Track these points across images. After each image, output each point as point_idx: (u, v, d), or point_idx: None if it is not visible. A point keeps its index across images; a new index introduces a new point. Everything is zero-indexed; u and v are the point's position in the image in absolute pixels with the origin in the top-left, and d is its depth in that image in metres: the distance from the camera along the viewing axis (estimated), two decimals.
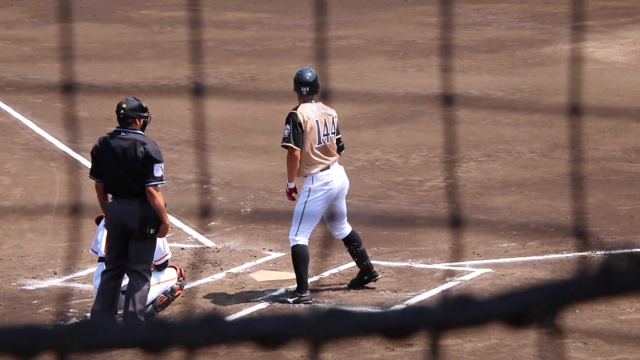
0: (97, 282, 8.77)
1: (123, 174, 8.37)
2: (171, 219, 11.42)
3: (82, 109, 16.14)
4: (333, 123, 9.34)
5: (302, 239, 9.21)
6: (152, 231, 8.30)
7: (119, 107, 8.62)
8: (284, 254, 10.27)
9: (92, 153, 8.61)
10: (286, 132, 9.16)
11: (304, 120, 9.13)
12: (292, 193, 9.33)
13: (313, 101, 9.25)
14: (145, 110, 8.65)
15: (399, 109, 16.20)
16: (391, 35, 21.56)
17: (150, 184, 8.34)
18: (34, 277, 9.95)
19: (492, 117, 15.78)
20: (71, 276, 10.05)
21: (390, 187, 12.77)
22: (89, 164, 13.70)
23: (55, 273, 10.07)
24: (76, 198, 12.02)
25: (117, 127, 8.60)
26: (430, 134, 14.71)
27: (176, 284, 8.98)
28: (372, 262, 9.70)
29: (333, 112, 9.40)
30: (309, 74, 9.26)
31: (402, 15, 23.40)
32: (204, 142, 14.60)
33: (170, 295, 8.92)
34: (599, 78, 17.77)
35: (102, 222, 8.86)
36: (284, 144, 9.19)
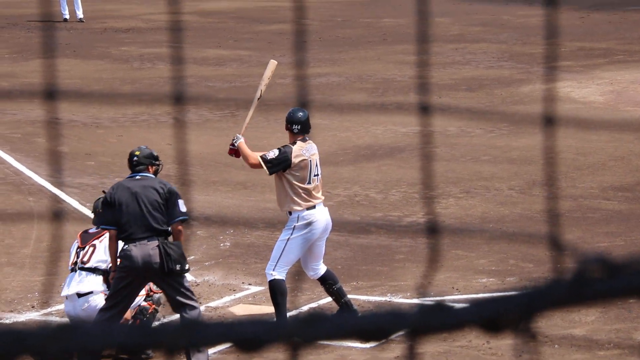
0: (66, 292, 8.81)
1: (143, 212, 8.36)
2: None
3: (61, 143, 16.13)
4: (318, 164, 9.40)
5: (280, 274, 9.21)
6: (178, 267, 8.28)
7: (132, 155, 8.76)
8: (263, 287, 10.26)
9: (104, 202, 8.62)
10: (271, 153, 9.20)
11: (295, 155, 9.18)
12: (232, 143, 9.32)
13: (307, 139, 9.32)
14: (157, 158, 8.79)
15: (378, 145, 16.27)
16: (370, 73, 21.68)
17: (178, 219, 8.37)
18: (11, 311, 9.89)
19: (470, 154, 15.86)
20: (49, 309, 10.00)
21: (370, 222, 12.80)
22: (68, 198, 13.72)
23: (32, 307, 10.02)
24: (55, 232, 11.98)
25: (131, 174, 8.68)
26: (410, 170, 14.78)
27: (145, 302, 8.96)
28: (351, 297, 9.69)
29: (317, 152, 9.47)
30: (300, 114, 9.34)
31: (381, 54, 23.55)
32: (184, 177, 14.61)
33: (144, 315, 8.91)
34: (577, 117, 17.91)
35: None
36: (260, 159, 9.16)
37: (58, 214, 12.73)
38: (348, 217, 12.98)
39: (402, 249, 11.65)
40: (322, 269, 9.44)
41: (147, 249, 8.28)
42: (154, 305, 9.02)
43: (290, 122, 9.33)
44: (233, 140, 9.37)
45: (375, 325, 1.07)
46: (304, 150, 9.26)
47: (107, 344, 1.06)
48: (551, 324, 9.43)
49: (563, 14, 29.83)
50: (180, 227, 8.42)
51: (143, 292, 8.92)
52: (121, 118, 17.74)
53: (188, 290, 8.42)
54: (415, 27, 25.18)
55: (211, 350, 8.78)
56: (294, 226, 9.18)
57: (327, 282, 9.43)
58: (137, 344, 1.06)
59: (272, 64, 9.74)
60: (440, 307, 1.12)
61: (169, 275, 8.26)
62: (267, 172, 9.20)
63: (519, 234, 12.24)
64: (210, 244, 11.75)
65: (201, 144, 16.24)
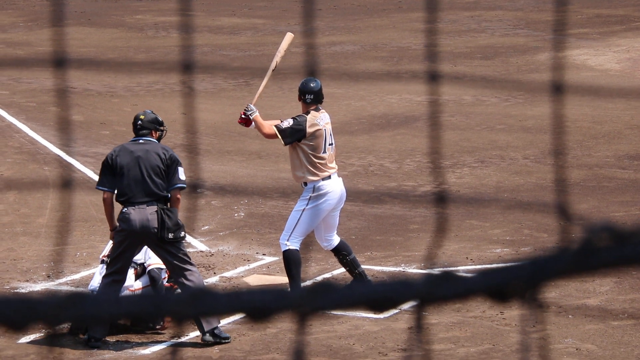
0: (94, 285, 8.78)
1: (144, 177, 8.37)
2: None
3: (76, 112, 16.15)
4: (330, 133, 9.39)
5: (294, 244, 9.22)
6: (171, 235, 8.30)
7: (136, 118, 8.74)
8: (277, 258, 10.28)
9: (104, 163, 8.61)
10: (285, 123, 9.18)
11: (310, 124, 9.16)
12: (245, 113, 9.26)
13: (320, 108, 9.30)
14: (161, 123, 8.78)
15: (393, 114, 16.23)
16: (385, 41, 21.60)
17: (176, 186, 8.38)
18: (27, 280, 9.95)
19: (485, 123, 15.82)
20: (64, 279, 10.05)
21: (384, 192, 12.79)
22: (82, 167, 13.75)
23: (48, 276, 10.07)
24: (69, 201, 12.02)
25: (134, 137, 8.67)
26: (424, 140, 14.74)
27: (168, 282, 8.99)
28: (364, 267, 9.70)
29: (330, 121, 9.46)
30: (313, 84, 9.31)
31: (396, 22, 23.45)
32: (197, 146, 14.62)
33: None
34: (593, 84, 17.82)
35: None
36: (275, 129, 9.14)
37: (73, 183, 12.77)
38: (362, 186, 12.97)
39: (416, 219, 11.65)
40: (335, 240, 9.44)
41: (145, 213, 8.31)
42: (175, 286, 9.05)
43: (302, 92, 9.32)
44: (245, 110, 9.32)
45: (383, 295, 1.07)
46: (318, 120, 9.24)
47: (116, 313, 1.07)
48: (565, 294, 9.43)
49: None
50: (178, 195, 8.42)
51: (165, 275, 8.95)
52: (136, 87, 17.74)
53: (185, 255, 8.42)
54: None
55: (225, 321, 8.82)
56: (310, 197, 9.18)
57: (341, 253, 9.43)
58: (146, 313, 1.07)
59: (289, 36, 9.69)
60: (447, 276, 1.12)
61: (165, 242, 8.28)
62: (283, 143, 9.19)
63: (533, 203, 12.22)
64: (225, 214, 11.77)
65: (216, 113, 16.25)
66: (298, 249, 9.22)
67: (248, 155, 14.28)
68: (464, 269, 10.17)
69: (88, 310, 1.03)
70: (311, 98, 9.27)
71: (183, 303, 1.06)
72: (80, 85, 17.56)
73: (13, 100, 16.75)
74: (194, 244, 10.84)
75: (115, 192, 8.51)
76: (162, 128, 8.75)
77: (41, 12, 23.94)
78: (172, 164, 8.43)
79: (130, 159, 8.45)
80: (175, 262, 8.35)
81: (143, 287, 8.92)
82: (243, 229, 11.29)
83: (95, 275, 8.97)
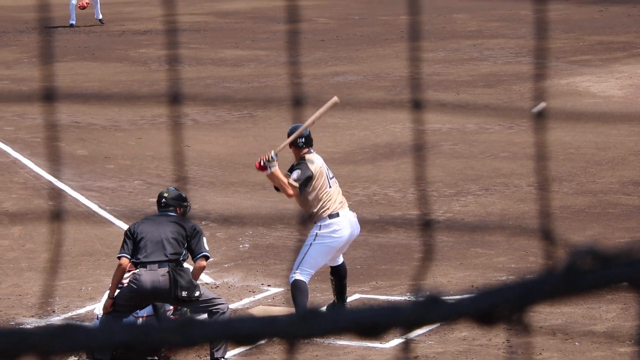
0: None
1: (162, 240, 8.50)
2: None
3: (81, 147, 16.20)
4: (328, 169, 9.49)
5: (302, 276, 9.24)
6: (184, 294, 8.39)
7: (160, 196, 8.95)
8: (282, 289, 10.28)
9: (126, 232, 8.78)
10: (296, 173, 9.24)
11: (312, 166, 9.27)
12: (265, 161, 9.24)
13: (311, 151, 9.41)
14: (185, 199, 8.95)
15: (397, 143, 16.26)
16: (388, 70, 21.68)
17: (202, 254, 8.56)
18: (33, 316, 9.94)
19: (489, 151, 15.84)
20: (70, 314, 10.05)
21: (389, 221, 12.79)
22: (87, 202, 13.78)
23: (53, 311, 10.07)
24: (75, 236, 12.04)
25: (159, 212, 8.86)
26: (428, 168, 14.76)
27: (173, 315, 9.01)
28: (370, 296, 9.72)
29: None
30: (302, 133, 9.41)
31: (399, 51, 23.53)
32: (202, 179, 14.65)
33: None
34: (596, 111, 17.85)
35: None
36: (290, 181, 9.20)
37: (78, 217, 12.78)
38: (367, 216, 12.98)
39: (421, 248, 11.64)
40: (340, 259, 9.57)
41: (157, 275, 8.42)
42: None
43: (307, 139, 9.43)
44: (267, 160, 9.30)
45: (371, 321, 1.08)
46: (315, 160, 9.38)
47: (108, 343, 1.08)
48: (572, 321, 9.41)
49: (582, 8, 29.73)
50: (204, 263, 8.61)
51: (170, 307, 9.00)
52: (140, 120, 17.80)
53: (208, 302, 8.52)
54: (409, 28, 25.16)
55: (232, 352, 8.81)
56: (317, 233, 9.24)
57: (338, 275, 9.49)
58: (136, 342, 1.08)
59: (334, 100, 9.69)
60: (434, 300, 1.13)
61: (183, 301, 8.42)
62: (300, 193, 9.24)
63: (538, 230, 12.21)
64: (230, 246, 11.78)
65: (220, 145, 16.28)
66: (306, 280, 9.24)
67: (252, 187, 14.31)
68: (469, 296, 10.15)
69: (80, 340, 1.04)
70: (303, 142, 9.39)
71: (172, 331, 1.08)
72: (84, 120, 17.62)
73: (18, 136, 16.81)
74: (200, 277, 10.84)
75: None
76: (185, 204, 8.93)
77: (45, 48, 24.07)
78: (195, 235, 8.61)
79: (151, 226, 8.62)
80: (203, 313, 8.46)
81: (147, 316, 8.95)
82: (248, 261, 11.29)
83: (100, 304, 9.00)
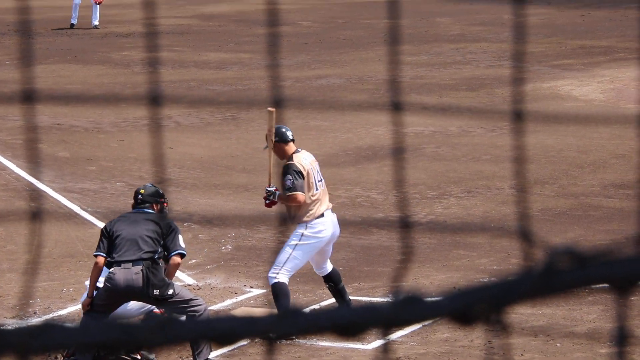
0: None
1: (137, 239, 8.44)
2: None
3: (63, 149, 16.15)
4: (317, 170, 9.47)
5: (283, 277, 9.24)
6: (156, 292, 8.34)
7: (137, 192, 8.87)
8: (265, 290, 10.28)
9: (102, 230, 8.74)
10: (289, 182, 9.23)
11: (303, 168, 9.26)
12: (268, 197, 9.27)
13: (300, 150, 9.41)
14: (162, 196, 8.88)
15: (380, 146, 16.29)
16: (371, 74, 21.70)
17: (177, 252, 8.48)
18: (14, 317, 9.91)
19: (472, 154, 15.88)
20: (51, 315, 10.02)
21: (371, 223, 12.81)
22: (69, 203, 13.73)
23: (35, 312, 10.04)
24: (56, 237, 12.00)
25: (135, 209, 8.78)
26: (411, 171, 14.79)
27: (158, 310, 8.98)
28: (353, 298, 9.72)
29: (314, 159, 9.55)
30: (283, 129, 9.41)
31: (382, 54, 23.57)
32: (185, 181, 14.63)
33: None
34: (578, 114, 17.92)
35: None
36: (290, 193, 9.21)
37: (60, 219, 12.75)
38: (349, 218, 12.99)
39: (403, 250, 11.66)
40: (329, 266, 9.57)
41: (130, 273, 8.37)
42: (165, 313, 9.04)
43: (281, 134, 9.41)
44: (268, 196, 9.32)
45: (349, 320, 1.09)
46: (303, 160, 9.36)
47: (86, 341, 1.08)
48: (553, 322, 9.44)
49: (564, 12, 29.84)
50: (179, 261, 8.54)
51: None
52: (122, 122, 17.76)
53: (185, 302, 8.47)
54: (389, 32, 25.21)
55: (214, 354, 8.79)
56: (302, 233, 9.24)
57: (331, 281, 9.50)
58: (114, 341, 1.08)
59: (270, 111, 9.67)
60: (412, 299, 1.13)
61: (156, 300, 8.37)
62: (302, 194, 9.22)
63: (517, 232, 12.23)
64: (212, 247, 11.77)
65: (202, 148, 16.27)
66: (287, 282, 9.24)
67: (235, 189, 14.30)
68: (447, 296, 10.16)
69: (58, 338, 1.04)
70: (277, 139, 9.36)
71: (152, 331, 1.07)
72: (66, 122, 17.57)
73: None
74: (182, 278, 10.82)
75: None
76: (162, 200, 8.85)
77: (27, 51, 23.98)
78: (171, 232, 8.54)
79: (127, 224, 8.55)
80: (180, 313, 8.40)
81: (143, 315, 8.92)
82: (230, 262, 11.29)
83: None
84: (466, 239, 12.09)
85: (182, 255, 8.57)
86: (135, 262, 8.37)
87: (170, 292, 8.38)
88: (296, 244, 9.21)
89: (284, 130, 9.42)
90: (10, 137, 16.69)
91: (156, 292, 8.33)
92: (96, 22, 27.69)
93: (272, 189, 9.27)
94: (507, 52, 23.81)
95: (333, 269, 9.57)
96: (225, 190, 14.27)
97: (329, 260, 9.57)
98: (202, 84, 20.97)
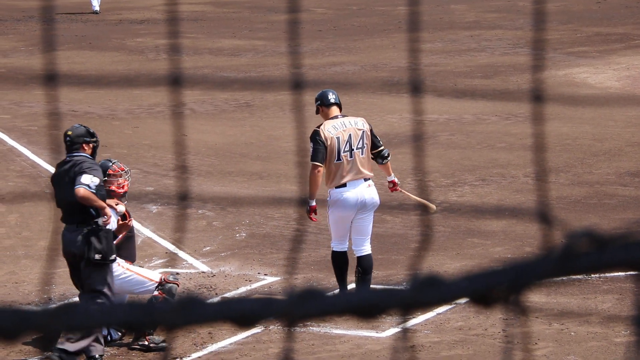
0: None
1: (65, 199, 8.21)
2: (166, 245, 11.46)
3: None
4: (362, 137, 9.36)
5: (338, 246, 9.36)
6: (96, 257, 8.23)
7: (65, 135, 8.45)
8: (279, 278, 10.30)
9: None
10: (311, 150, 9.33)
11: (325, 137, 9.26)
12: (312, 212, 9.37)
13: (339, 117, 9.39)
14: (92, 135, 8.43)
15: (394, 134, 16.27)
16: (386, 61, 21.67)
17: (75, 186, 8.07)
18: (29, 304, 9.96)
19: (486, 142, 15.85)
20: (66, 302, 10.06)
21: (385, 211, 12.81)
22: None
23: (50, 299, 10.08)
24: None
25: (66, 157, 8.44)
26: (425, 159, 14.77)
27: (157, 290, 8.92)
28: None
29: (364, 126, 9.43)
30: (326, 92, 9.49)
31: (396, 42, 23.53)
32: (199, 168, 14.65)
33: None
34: (593, 103, 17.86)
35: None
36: (317, 164, 9.29)
37: None
38: None
39: (417, 238, 11.65)
40: (365, 249, 9.48)
41: (72, 236, 8.23)
42: (164, 295, 9.05)
43: (321, 97, 9.50)
44: (308, 211, 9.45)
45: (369, 302, 1.09)
46: (330, 128, 9.31)
47: (106, 322, 1.09)
48: (568, 311, 9.43)
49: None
50: (81, 193, 8.01)
51: (157, 278, 8.93)
52: (137, 109, 17.79)
53: (98, 285, 8.25)
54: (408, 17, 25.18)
55: (227, 341, 8.82)
56: (328, 201, 9.38)
57: (362, 266, 9.50)
58: (136, 322, 1.08)
59: (431, 206, 10.02)
60: (431, 281, 1.14)
61: (88, 264, 8.20)
62: (319, 165, 9.25)
63: (534, 221, 12.23)
64: (226, 235, 11.79)
65: (217, 135, 16.28)
66: (343, 250, 9.37)
67: (250, 176, 14.31)
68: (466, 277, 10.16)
69: (79, 319, 1.05)
70: (319, 102, 9.46)
71: (174, 311, 1.08)
72: (81, 109, 17.61)
73: (15, 124, 16.80)
74: (196, 265, 10.85)
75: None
76: (93, 140, 8.40)
77: (42, 37, 24.04)
78: (79, 174, 8.09)
79: (56, 183, 8.34)
80: (87, 286, 8.32)
81: (160, 293, 8.90)
82: (245, 250, 11.30)
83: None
84: (480, 227, 12.08)
85: (83, 188, 8.01)
86: (75, 225, 8.21)
87: (113, 256, 8.26)
88: (329, 212, 9.32)
89: (326, 93, 9.46)
90: (26, 124, 16.74)
91: (97, 256, 8.18)
92: (97, 8, 27.72)
93: (309, 206, 9.37)
94: (522, 39, 23.74)
95: (368, 255, 9.51)
96: (239, 178, 14.29)
97: (368, 243, 9.48)
98: (217, 70, 20.98)
